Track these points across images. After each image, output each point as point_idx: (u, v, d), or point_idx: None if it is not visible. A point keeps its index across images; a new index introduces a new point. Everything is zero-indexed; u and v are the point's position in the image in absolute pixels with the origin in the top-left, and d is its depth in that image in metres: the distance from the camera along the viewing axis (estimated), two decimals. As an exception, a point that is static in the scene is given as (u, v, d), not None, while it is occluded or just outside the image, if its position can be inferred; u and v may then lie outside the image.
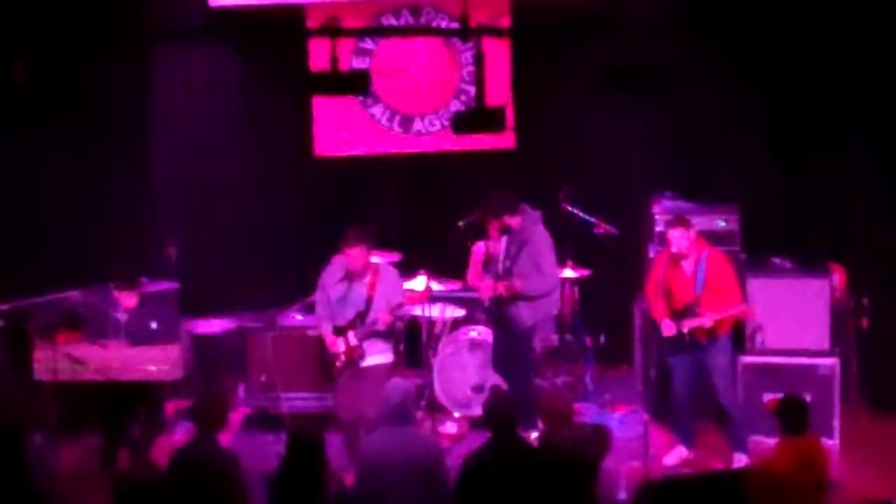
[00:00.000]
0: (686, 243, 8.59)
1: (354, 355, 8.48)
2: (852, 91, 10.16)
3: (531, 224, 9.06)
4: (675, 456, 8.85)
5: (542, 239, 9.04)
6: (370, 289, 8.48)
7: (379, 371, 8.44)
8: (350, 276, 8.48)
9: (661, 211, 9.81)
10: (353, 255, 8.38)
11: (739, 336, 9.24)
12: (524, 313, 9.07)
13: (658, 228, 9.72)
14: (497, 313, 9.19)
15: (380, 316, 8.41)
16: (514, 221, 9.01)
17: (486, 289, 9.16)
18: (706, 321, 8.48)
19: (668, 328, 8.62)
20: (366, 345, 8.49)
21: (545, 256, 9.00)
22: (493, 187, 9.32)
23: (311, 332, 9.50)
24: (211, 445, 6.84)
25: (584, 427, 7.43)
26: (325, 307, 8.61)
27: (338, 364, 8.53)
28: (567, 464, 6.42)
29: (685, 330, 8.55)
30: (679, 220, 8.67)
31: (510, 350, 9.27)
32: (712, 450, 8.94)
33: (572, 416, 7.26)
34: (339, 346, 8.49)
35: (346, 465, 7.92)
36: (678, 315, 8.59)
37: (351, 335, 8.47)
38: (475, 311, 9.97)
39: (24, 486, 6.56)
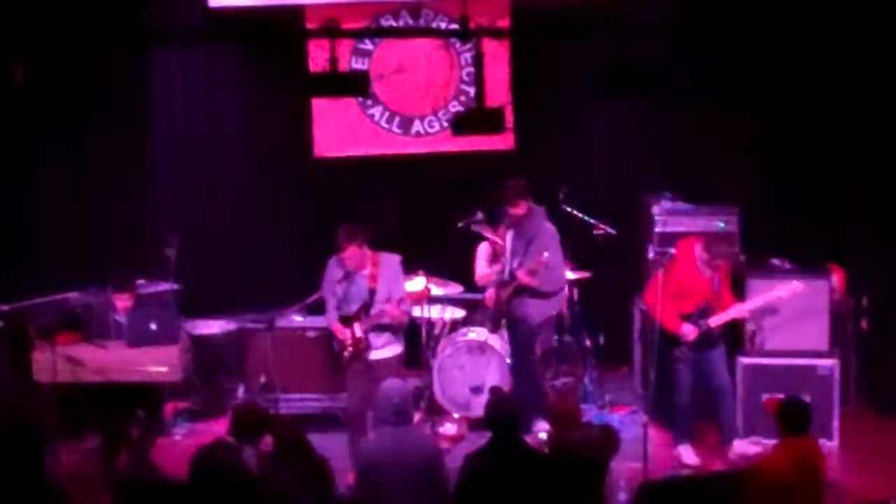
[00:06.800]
0: None
1: (360, 347, 8.45)
2: (852, 91, 10.17)
3: (539, 220, 9.09)
4: (690, 455, 8.86)
5: (551, 235, 9.08)
6: (371, 280, 8.46)
7: (389, 364, 8.44)
8: (349, 273, 8.47)
9: (660, 212, 9.80)
10: (348, 254, 8.36)
11: (738, 337, 9.26)
12: (532, 311, 9.11)
13: (657, 229, 9.73)
14: (507, 314, 9.26)
15: (387, 309, 8.38)
16: (519, 209, 8.99)
17: (489, 298, 9.35)
18: (743, 312, 8.81)
19: (691, 332, 8.66)
20: (371, 337, 8.45)
21: (555, 252, 9.02)
22: (491, 189, 9.33)
23: (310, 333, 9.56)
24: (234, 454, 6.75)
25: (592, 428, 7.43)
26: (330, 301, 8.58)
27: (345, 354, 8.51)
28: (576, 465, 6.42)
29: (712, 326, 8.67)
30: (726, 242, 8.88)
31: (513, 348, 9.30)
32: (712, 451, 8.96)
33: (580, 418, 7.26)
34: (346, 333, 8.46)
35: (348, 464, 7.92)
36: (696, 317, 8.67)
37: (356, 327, 8.45)
38: (475, 312, 9.98)
39: (40, 487, 6.48)
